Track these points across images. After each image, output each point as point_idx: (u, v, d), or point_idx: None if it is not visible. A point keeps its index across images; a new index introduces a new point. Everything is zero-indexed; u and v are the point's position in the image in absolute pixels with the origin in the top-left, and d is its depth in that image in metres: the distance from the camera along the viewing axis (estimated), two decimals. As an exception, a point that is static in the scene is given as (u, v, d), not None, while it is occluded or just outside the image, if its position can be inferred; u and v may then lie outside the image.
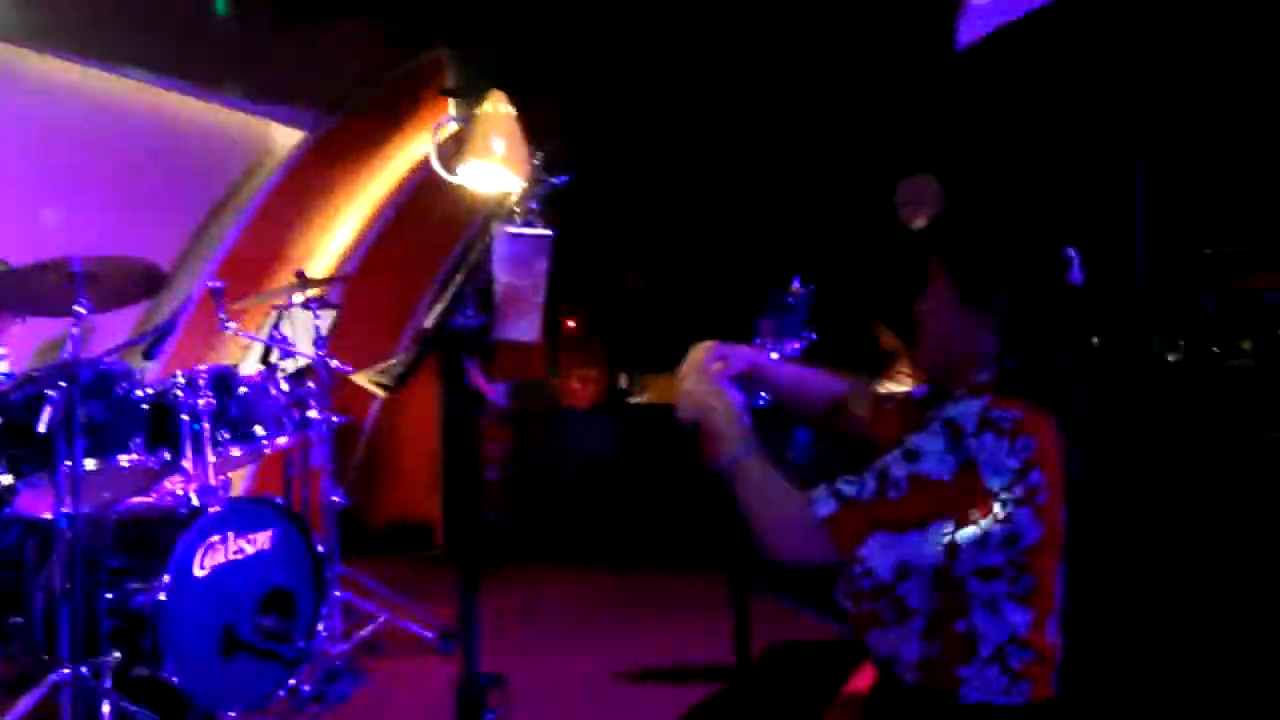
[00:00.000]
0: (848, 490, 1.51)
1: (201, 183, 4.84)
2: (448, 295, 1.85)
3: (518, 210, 1.92)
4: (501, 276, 1.92)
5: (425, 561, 5.85)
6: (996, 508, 1.48)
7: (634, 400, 6.37)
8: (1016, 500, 1.49)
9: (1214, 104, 4.84)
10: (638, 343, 6.34)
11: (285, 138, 5.05)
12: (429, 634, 4.18)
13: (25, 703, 3.00)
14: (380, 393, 3.78)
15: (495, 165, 2.43)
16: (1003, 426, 1.49)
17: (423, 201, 5.68)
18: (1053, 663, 1.60)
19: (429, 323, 1.86)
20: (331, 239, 5.55)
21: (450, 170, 2.48)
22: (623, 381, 6.51)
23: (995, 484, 1.48)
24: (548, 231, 1.97)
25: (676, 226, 6.54)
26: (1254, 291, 5.21)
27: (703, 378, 1.82)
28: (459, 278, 1.86)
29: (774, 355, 3.78)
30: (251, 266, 4.92)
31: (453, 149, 2.29)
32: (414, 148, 5.63)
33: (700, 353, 1.87)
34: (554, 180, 1.99)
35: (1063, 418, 1.58)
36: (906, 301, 1.74)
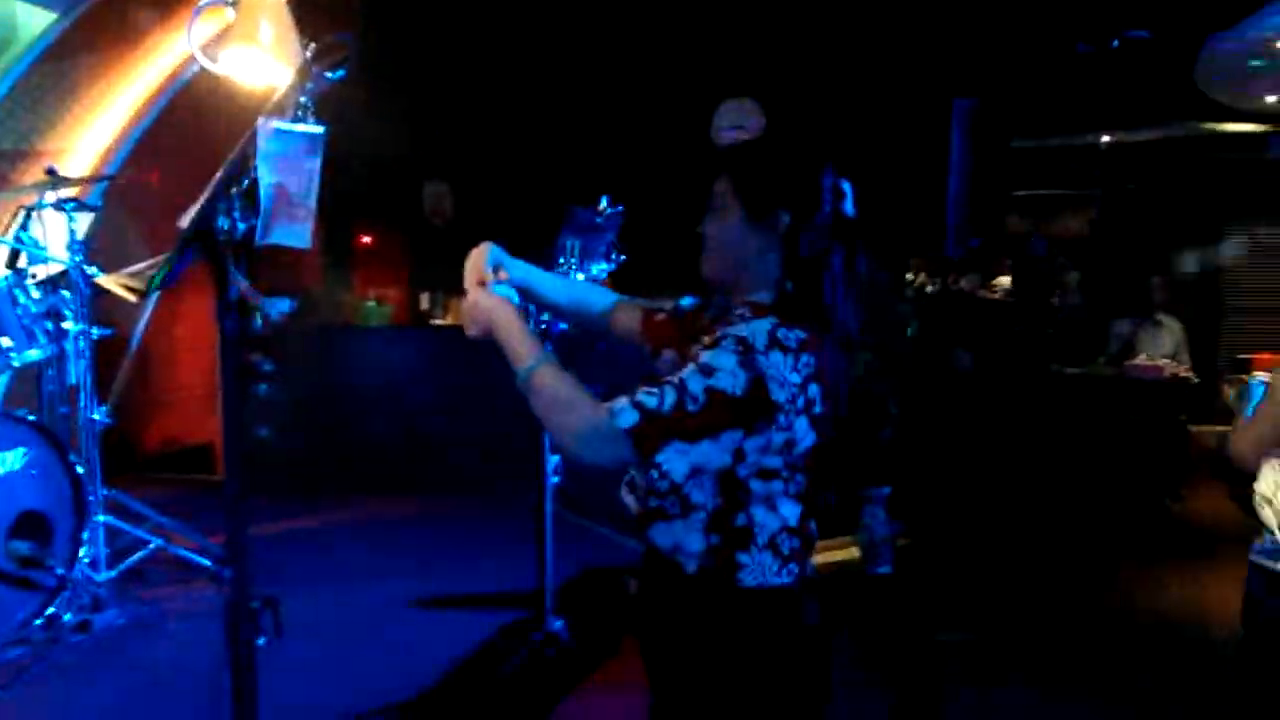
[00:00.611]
0: (649, 402, 1.59)
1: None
2: (207, 194, 1.70)
3: (286, 103, 1.77)
4: (268, 176, 1.78)
5: (204, 486, 5.53)
6: (780, 418, 1.61)
7: (436, 322, 6.20)
8: (797, 411, 1.63)
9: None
10: (440, 263, 6.15)
11: (36, 18, 4.54)
12: (205, 561, 3.97)
13: None
14: (130, 297, 3.50)
15: (262, 54, 2.22)
16: (788, 345, 1.63)
17: (199, 96, 5.24)
18: (811, 549, 1.76)
19: (185, 223, 1.71)
20: (92, 133, 5.04)
21: (213, 58, 2.26)
22: (424, 303, 6.32)
23: (780, 397, 1.61)
24: (318, 128, 1.83)
25: (483, 142, 6.35)
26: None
27: (483, 289, 1.79)
28: (219, 175, 1.70)
29: (580, 276, 3.72)
30: (-1, 159, 4.44)
31: (219, 35, 2.08)
32: (183, 36, 5.18)
33: (477, 258, 1.83)
34: (328, 75, 1.85)
35: (833, 337, 1.71)
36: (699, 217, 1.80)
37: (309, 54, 1.79)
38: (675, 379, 1.60)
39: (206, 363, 5.84)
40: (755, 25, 5.13)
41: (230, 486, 1.76)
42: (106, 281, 3.49)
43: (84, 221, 3.78)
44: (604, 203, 3.70)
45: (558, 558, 3.57)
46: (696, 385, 1.58)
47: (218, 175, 1.71)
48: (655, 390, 1.59)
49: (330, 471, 5.52)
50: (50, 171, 3.71)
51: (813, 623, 1.76)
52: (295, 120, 1.76)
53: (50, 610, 3.40)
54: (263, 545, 4.03)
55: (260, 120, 1.72)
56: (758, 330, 1.62)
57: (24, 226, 3.67)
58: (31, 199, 3.68)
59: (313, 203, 1.86)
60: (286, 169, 1.82)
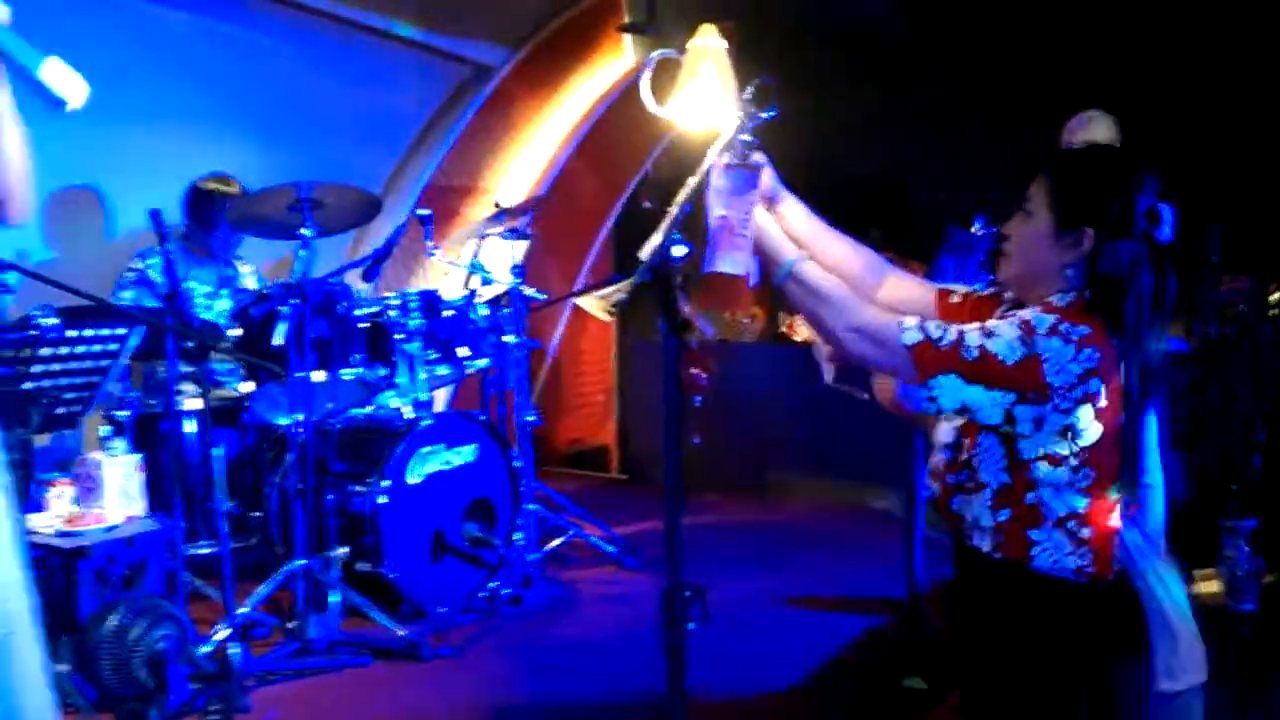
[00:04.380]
0: (933, 331, 1.73)
1: (405, 116, 5.09)
2: (664, 227, 1.91)
3: (731, 144, 1.95)
4: (716, 209, 1.97)
5: (601, 482, 6.14)
6: (1055, 399, 1.70)
7: (798, 339, 6.36)
8: (1075, 400, 1.71)
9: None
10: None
11: (479, 72, 5.26)
12: (611, 549, 4.40)
13: (264, 589, 3.34)
14: (605, 317, 3.96)
15: (705, 99, 2.45)
16: (1070, 337, 1.70)
17: (603, 134, 5.83)
18: (1112, 546, 1.81)
19: (646, 254, 1.92)
20: (520, 170, 5.76)
21: (660, 103, 2.52)
22: (781, 322, 6.49)
23: (1056, 381, 1.69)
24: (760, 165, 2.01)
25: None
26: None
27: (734, 204, 1.90)
28: (674, 210, 1.92)
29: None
30: (449, 194, 5.18)
31: (660, 82, 2.35)
32: (594, 82, 5.76)
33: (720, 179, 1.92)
34: (763, 114, 2.01)
35: (1135, 356, 1.75)
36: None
37: (746, 96, 1.96)
38: (959, 327, 1.73)
39: (605, 372, 6.43)
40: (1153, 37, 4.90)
41: (669, 485, 1.95)
42: (584, 302, 3.99)
43: (521, 248, 4.33)
44: (978, 223, 3.73)
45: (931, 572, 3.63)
46: (974, 340, 1.70)
47: (673, 210, 1.93)
48: (941, 325, 1.73)
49: (705, 472, 5.83)
50: (498, 206, 4.29)
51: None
52: (739, 158, 1.94)
53: (492, 584, 3.92)
54: (649, 538, 4.47)
55: (711, 159, 1.93)
56: (1042, 318, 1.71)
57: (475, 252, 4.29)
58: (483, 229, 4.28)
59: (751, 233, 2.05)
60: (731, 203, 2.01)
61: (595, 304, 3.90)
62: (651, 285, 1.97)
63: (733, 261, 2.04)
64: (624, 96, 5.72)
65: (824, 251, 2.03)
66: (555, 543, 4.35)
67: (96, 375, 2.84)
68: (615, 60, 5.70)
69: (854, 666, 3.51)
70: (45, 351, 2.66)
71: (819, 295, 1.82)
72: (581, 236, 6.24)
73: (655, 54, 2.30)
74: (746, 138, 1.96)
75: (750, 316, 6.50)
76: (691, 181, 1.95)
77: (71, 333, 2.73)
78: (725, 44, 2.47)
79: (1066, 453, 1.75)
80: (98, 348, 2.80)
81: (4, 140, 1.67)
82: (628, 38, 5.57)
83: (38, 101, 1.63)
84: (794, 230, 2.02)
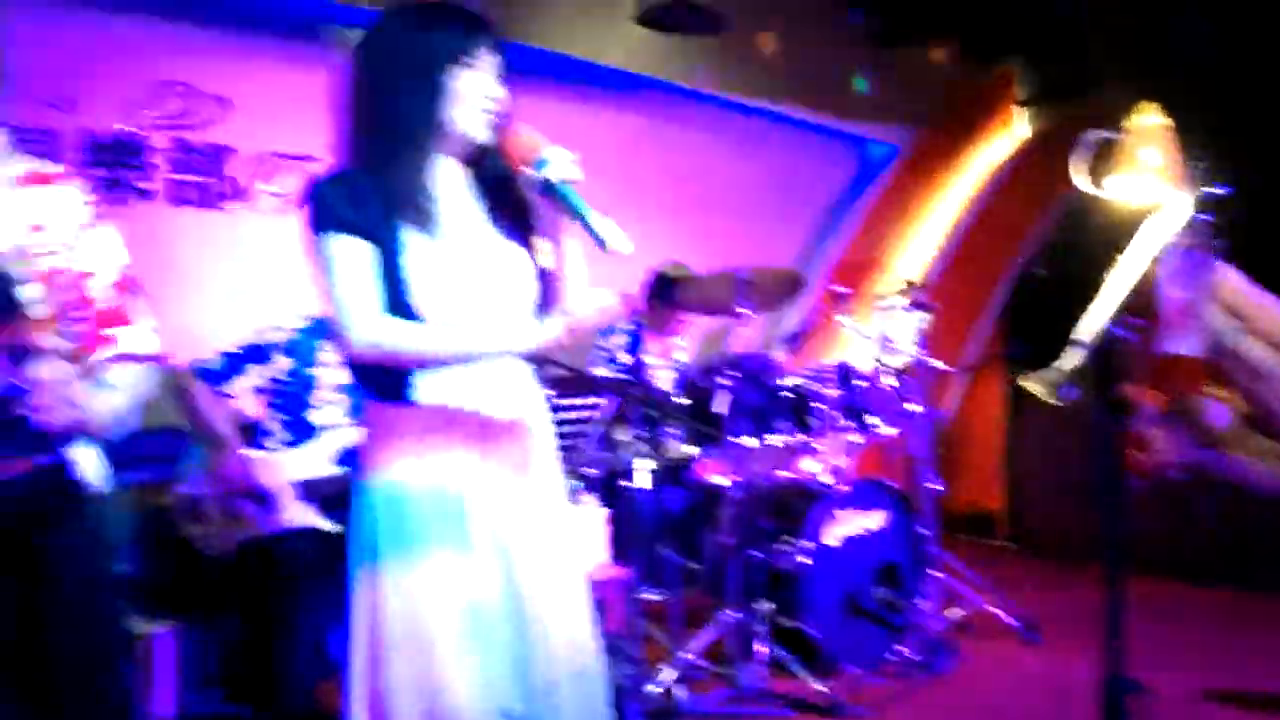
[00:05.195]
0: None
1: (813, 197, 5.42)
2: (1110, 306, 1.95)
3: (1188, 225, 1.98)
4: (1171, 290, 2.02)
5: (990, 549, 6.11)
6: None
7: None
8: None
9: None
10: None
11: (878, 153, 5.51)
12: (1014, 622, 4.38)
13: (702, 636, 3.66)
14: (1051, 400, 4.02)
15: (1147, 178, 2.47)
16: None
17: (996, 205, 5.89)
18: None
19: (1086, 334, 1.98)
20: (919, 243, 5.94)
21: (1096, 184, 2.55)
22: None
23: None
24: (1217, 246, 2.04)
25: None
26: None
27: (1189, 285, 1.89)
28: (1125, 290, 1.95)
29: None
30: (854, 269, 5.45)
31: (1095, 163, 2.39)
32: (988, 154, 5.85)
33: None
34: (1215, 191, 2.00)
35: None
36: None
37: (1197, 173, 2.00)
38: None
39: (995, 439, 6.40)
40: None
41: (1110, 567, 1.97)
42: (1027, 383, 4.09)
43: (923, 319, 4.47)
44: None
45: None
46: None
47: (1122, 293, 1.96)
48: None
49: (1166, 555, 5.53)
50: (908, 282, 4.47)
51: None
52: (1192, 237, 1.96)
53: (899, 648, 4.03)
54: (1050, 611, 4.36)
55: (1165, 240, 1.94)
56: None
57: (882, 326, 4.48)
58: (891, 302, 4.47)
59: (1206, 312, 2.06)
60: (1187, 284, 2.05)
61: (1039, 387, 3.93)
62: (1092, 365, 2.04)
63: (1188, 342, 2.08)
64: (1016, 168, 5.77)
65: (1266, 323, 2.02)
66: (958, 612, 4.40)
67: (579, 437, 3.29)
68: (1008, 132, 5.78)
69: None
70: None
71: (1258, 370, 1.81)
72: (974, 305, 6.30)
73: (1093, 135, 2.32)
74: (1202, 217, 1.96)
75: (1218, 398, 6.20)
76: (1132, 258, 1.95)
77: (562, 400, 3.18)
78: (1166, 121, 2.47)
79: None
80: (582, 414, 3.25)
81: (576, 269, 2.05)
82: (1021, 110, 5.63)
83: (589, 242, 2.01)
84: (1230, 301, 2.02)
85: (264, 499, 3.02)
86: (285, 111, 3.96)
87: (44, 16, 3.41)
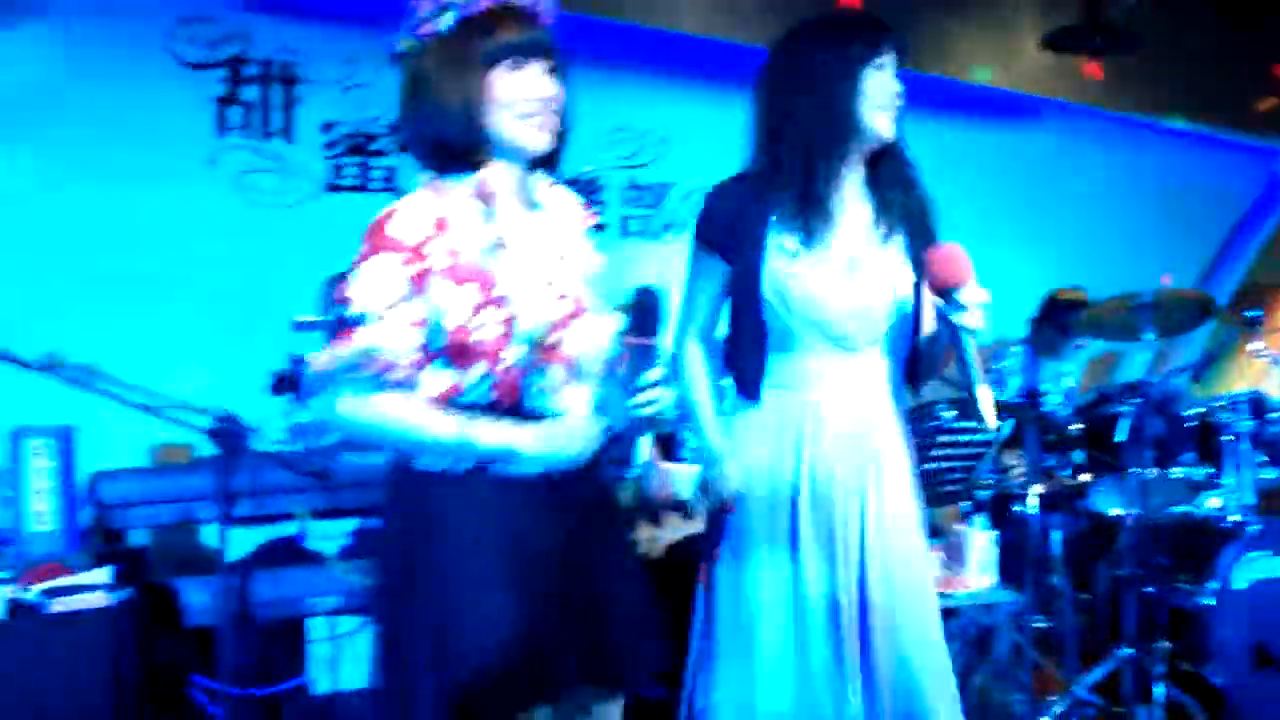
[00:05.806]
0: None
1: (1215, 216, 5.09)
2: None
3: None
4: None
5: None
6: None
7: None
8: None
9: None
10: None
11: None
12: None
13: (1096, 672, 3.52)
14: None
15: None
16: None
17: None
18: None
19: None
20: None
21: None
22: None
23: None
24: None
25: None
26: None
27: None
28: None
29: None
30: (1261, 292, 5.03)
31: None
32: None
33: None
34: None
35: None
36: None
37: None
38: None
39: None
40: None
41: None
42: None
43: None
44: None
45: None
46: None
47: None
48: None
49: None
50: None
51: None
52: None
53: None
54: None
55: None
56: None
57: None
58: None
59: None
60: None
61: None
62: None
63: None
64: None
65: None
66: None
67: (974, 460, 3.29)
68: None
69: None
70: (943, 439, 3.16)
71: None
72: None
73: None
74: None
75: None
76: None
77: (961, 423, 3.20)
78: None
79: None
80: (979, 436, 3.25)
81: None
82: None
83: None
84: None
85: (687, 510, 3.24)
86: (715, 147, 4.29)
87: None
